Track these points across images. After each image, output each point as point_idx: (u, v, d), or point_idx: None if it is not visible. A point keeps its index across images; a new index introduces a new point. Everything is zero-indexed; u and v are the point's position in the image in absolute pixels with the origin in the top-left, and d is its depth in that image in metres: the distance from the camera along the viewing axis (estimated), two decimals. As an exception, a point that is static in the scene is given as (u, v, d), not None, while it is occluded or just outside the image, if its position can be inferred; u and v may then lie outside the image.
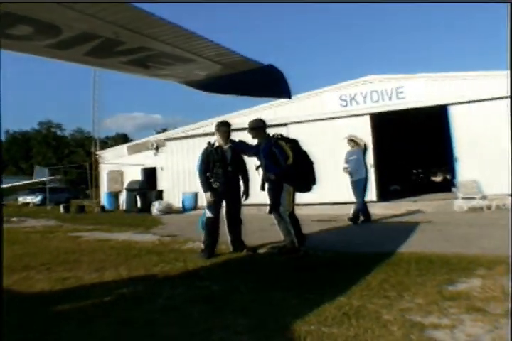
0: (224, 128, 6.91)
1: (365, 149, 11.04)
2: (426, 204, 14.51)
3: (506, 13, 3.55)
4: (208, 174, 6.79)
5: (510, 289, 3.96)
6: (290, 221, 6.50)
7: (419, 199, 15.97)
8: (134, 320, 3.64)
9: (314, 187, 6.71)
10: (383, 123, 17.85)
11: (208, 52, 4.02)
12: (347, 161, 11.05)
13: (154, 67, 4.60)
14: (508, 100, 7.88)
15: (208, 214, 6.74)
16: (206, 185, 6.82)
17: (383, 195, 16.82)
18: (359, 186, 10.89)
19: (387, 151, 20.73)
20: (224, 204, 6.89)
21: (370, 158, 16.32)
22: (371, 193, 16.07)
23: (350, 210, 10.94)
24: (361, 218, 10.76)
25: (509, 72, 3.68)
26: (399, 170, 25.83)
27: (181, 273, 5.38)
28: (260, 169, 6.74)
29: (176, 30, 3.47)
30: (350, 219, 10.64)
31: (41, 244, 8.93)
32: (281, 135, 6.79)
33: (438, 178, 30.23)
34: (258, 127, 6.89)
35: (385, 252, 6.15)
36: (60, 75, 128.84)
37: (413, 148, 28.14)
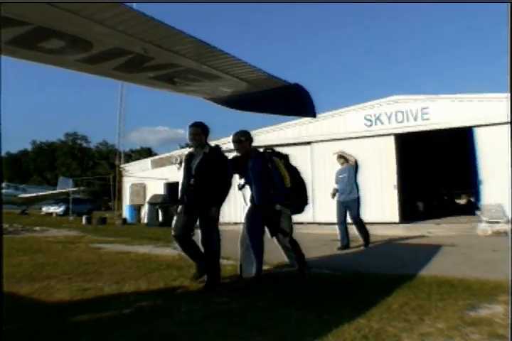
0: (189, 129, 5.72)
1: (356, 166, 9.94)
2: (449, 227, 14.32)
3: (506, 13, 3.58)
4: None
5: (509, 292, 3.95)
6: (291, 246, 5.89)
7: (442, 222, 15.78)
8: (152, 333, 3.64)
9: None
10: (408, 143, 17.76)
11: (234, 69, 4.08)
12: (337, 181, 10.10)
13: (181, 83, 4.68)
14: (508, 99, 7.71)
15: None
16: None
17: (405, 216, 16.63)
18: (354, 207, 9.80)
19: (410, 172, 20.54)
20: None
21: (393, 178, 16.26)
22: (393, 214, 15.95)
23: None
24: (339, 243, 9.71)
25: (509, 72, 3.66)
26: (422, 191, 25.51)
27: (200, 288, 5.37)
28: (246, 189, 5.87)
29: (204, 48, 3.54)
30: (365, 245, 9.76)
31: (62, 254, 9.01)
32: (273, 149, 5.98)
33: (462, 201, 29.77)
34: (247, 139, 5.86)
35: (406, 274, 6.06)
36: (88, 88, 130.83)
37: (437, 170, 27.87)
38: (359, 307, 4.33)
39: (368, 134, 17.22)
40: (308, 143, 17.96)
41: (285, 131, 18.52)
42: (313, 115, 5.05)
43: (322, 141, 17.80)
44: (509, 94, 3.77)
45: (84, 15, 2.92)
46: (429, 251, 8.93)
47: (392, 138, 16.86)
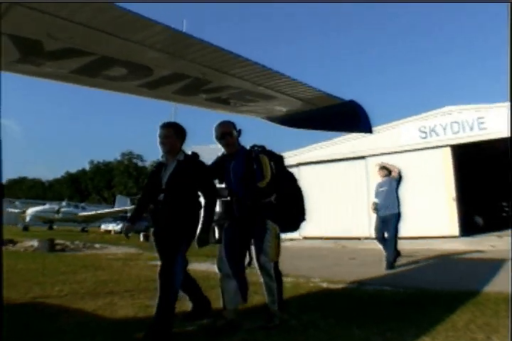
0: (160, 131, 4.49)
1: (399, 179, 9.22)
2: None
3: (506, 13, 3.54)
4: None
5: (510, 293, 3.96)
6: (275, 274, 4.55)
7: (503, 234, 15.23)
8: (215, 351, 3.69)
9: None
10: (465, 154, 17.34)
11: (290, 89, 4.13)
12: (377, 194, 9.54)
13: (237, 103, 4.77)
14: (508, 100, 7.42)
15: None
16: (131, 214, 5.22)
17: (465, 229, 16.17)
18: (392, 223, 9.08)
19: (469, 184, 20.00)
20: None
21: (451, 191, 15.86)
22: (453, 227, 15.54)
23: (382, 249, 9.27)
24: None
25: (509, 71, 3.57)
26: (482, 203, 24.72)
27: (259, 306, 5.37)
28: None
29: (261, 70, 3.62)
30: (389, 267, 8.75)
31: (123, 271, 9.23)
32: (264, 147, 4.68)
33: (524, 213, 28.61)
34: (237, 131, 4.66)
35: (470, 290, 5.90)
36: (140, 107, 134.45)
37: (497, 181, 27.00)
38: (423, 325, 4.25)
39: (423, 146, 16.92)
40: (363, 157, 17.76)
41: (338, 146, 18.37)
42: (370, 131, 5.00)
43: (376, 154, 17.54)
44: (509, 96, 3.69)
45: (147, 45, 3.05)
46: (492, 265, 8.65)
47: (448, 150, 16.52)
